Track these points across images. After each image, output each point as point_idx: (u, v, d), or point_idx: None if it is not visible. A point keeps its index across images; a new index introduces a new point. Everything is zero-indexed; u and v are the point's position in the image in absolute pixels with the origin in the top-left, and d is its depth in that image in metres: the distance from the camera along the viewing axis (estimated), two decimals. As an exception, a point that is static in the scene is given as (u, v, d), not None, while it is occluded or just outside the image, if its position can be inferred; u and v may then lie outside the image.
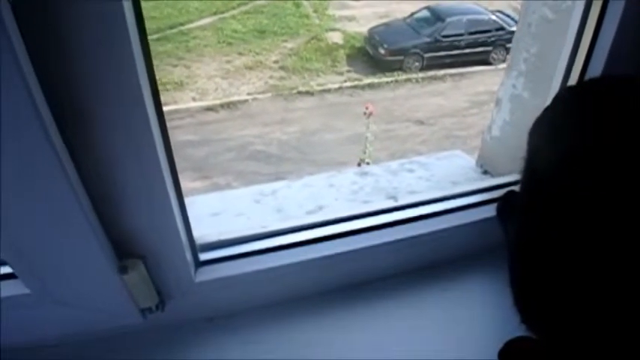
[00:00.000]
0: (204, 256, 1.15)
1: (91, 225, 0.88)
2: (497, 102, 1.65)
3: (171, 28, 13.84)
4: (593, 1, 1.15)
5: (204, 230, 1.27)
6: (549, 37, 1.43)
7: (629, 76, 0.79)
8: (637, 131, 0.64)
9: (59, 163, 0.78)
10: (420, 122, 11.43)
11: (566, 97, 0.87)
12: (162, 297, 1.12)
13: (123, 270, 0.99)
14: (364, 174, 1.62)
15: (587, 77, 1.21)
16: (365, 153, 9.45)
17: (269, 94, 11.99)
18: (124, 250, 1.00)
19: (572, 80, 1.24)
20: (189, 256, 1.09)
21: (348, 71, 12.98)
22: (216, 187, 9.13)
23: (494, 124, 1.67)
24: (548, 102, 1.29)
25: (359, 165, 8.89)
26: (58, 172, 0.79)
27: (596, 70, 1.18)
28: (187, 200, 1.54)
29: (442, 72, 12.99)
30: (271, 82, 12.35)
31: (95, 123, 0.81)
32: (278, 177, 9.46)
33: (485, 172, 1.70)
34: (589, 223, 0.63)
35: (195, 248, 1.12)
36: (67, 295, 1.02)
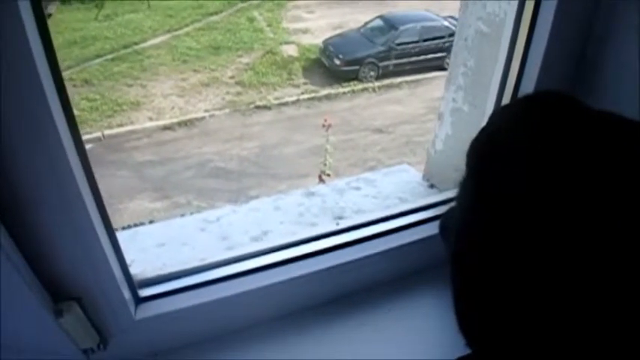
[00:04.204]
0: (144, 292, 1.13)
1: (19, 271, 0.86)
2: (439, 116, 1.67)
3: (125, 47, 13.71)
4: (523, 14, 1.17)
5: (149, 262, 1.25)
6: (485, 50, 1.45)
7: (560, 91, 0.80)
8: (571, 148, 0.65)
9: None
10: (379, 130, 11.51)
11: (501, 116, 0.88)
12: (104, 336, 1.09)
13: (58, 314, 0.96)
14: (310, 195, 1.61)
15: (521, 89, 1.23)
16: (325, 165, 9.47)
17: (226, 110, 11.93)
18: (59, 293, 0.97)
19: (508, 92, 1.26)
20: (127, 293, 1.06)
21: (305, 83, 13.01)
22: (177, 206, 9.04)
23: (437, 138, 1.69)
24: (488, 114, 1.31)
25: (320, 177, 8.91)
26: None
27: (529, 81, 1.20)
28: (131, 231, 1.53)
29: (398, 80, 13.12)
30: (228, 97, 12.29)
31: (9, 156, 0.78)
32: (239, 193, 9.42)
33: (431, 186, 1.71)
34: (528, 243, 0.63)
35: (134, 285, 1.10)
36: (7, 339, 0.98)
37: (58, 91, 0.80)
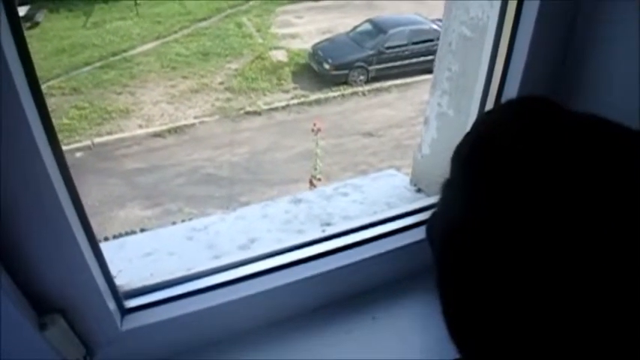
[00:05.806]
0: (130, 303, 1.12)
1: (1, 284, 0.85)
2: (425, 120, 1.67)
3: (114, 55, 13.72)
4: (506, 18, 1.17)
5: (136, 272, 1.24)
6: (469, 54, 1.45)
7: (543, 96, 0.80)
8: (555, 151, 0.65)
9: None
10: (369, 134, 11.54)
11: (485, 121, 0.88)
12: (90, 348, 1.08)
13: (43, 327, 0.95)
14: (298, 201, 1.60)
15: (504, 92, 1.23)
16: (316, 169, 9.47)
17: (216, 117, 11.94)
18: (43, 305, 0.96)
19: (492, 95, 1.26)
20: (112, 305, 1.05)
21: (295, 88, 13.04)
22: (168, 214, 9.02)
23: (423, 143, 1.69)
24: (473, 119, 1.31)
25: (311, 181, 8.91)
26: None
27: (512, 84, 1.20)
28: (119, 241, 1.52)
29: (388, 83, 13.17)
30: (218, 104, 12.29)
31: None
32: (230, 199, 9.41)
33: (418, 191, 1.70)
34: (516, 246, 0.63)
35: (119, 296, 1.09)
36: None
37: (35, 99, 0.79)
